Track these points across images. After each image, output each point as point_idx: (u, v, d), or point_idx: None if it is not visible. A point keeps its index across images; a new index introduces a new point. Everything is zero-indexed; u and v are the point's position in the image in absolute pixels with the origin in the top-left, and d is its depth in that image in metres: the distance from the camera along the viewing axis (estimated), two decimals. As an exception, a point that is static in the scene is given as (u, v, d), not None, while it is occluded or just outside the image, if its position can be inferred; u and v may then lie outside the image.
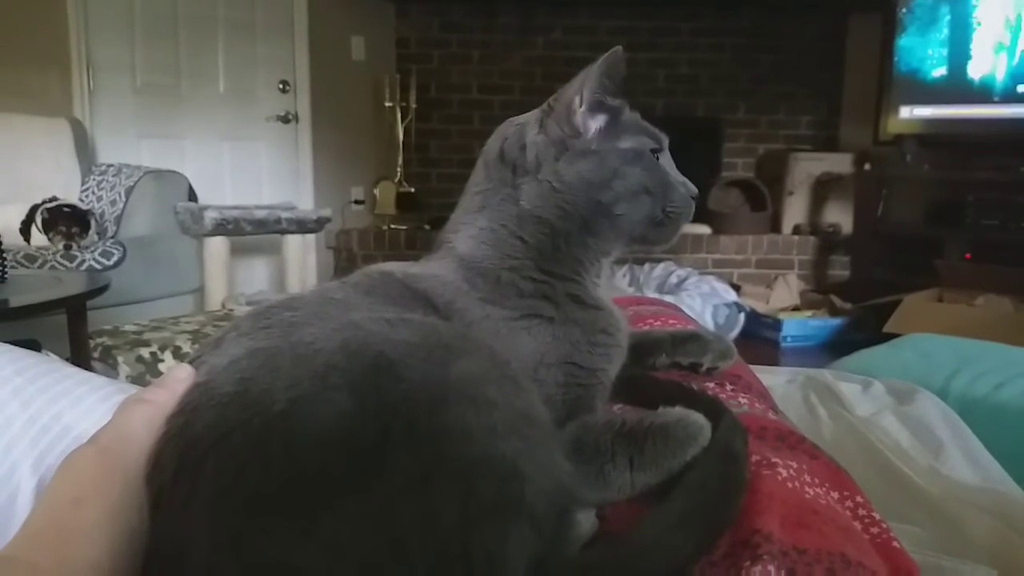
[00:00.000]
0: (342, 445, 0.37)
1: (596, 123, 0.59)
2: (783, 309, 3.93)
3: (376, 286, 0.55)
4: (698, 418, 0.49)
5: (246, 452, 0.37)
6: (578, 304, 0.57)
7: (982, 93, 3.71)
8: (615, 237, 0.60)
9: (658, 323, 0.79)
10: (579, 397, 0.54)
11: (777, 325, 3.64)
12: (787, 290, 4.15)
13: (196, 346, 1.93)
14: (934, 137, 3.86)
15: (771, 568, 0.41)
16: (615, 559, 0.40)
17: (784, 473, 0.50)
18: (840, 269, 4.49)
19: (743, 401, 0.62)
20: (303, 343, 0.42)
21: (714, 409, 0.51)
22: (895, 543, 0.50)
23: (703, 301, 3.57)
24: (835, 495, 0.52)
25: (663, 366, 0.66)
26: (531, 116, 0.61)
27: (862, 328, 3.52)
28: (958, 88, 3.79)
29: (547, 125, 0.59)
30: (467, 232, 0.59)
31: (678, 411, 0.50)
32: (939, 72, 3.87)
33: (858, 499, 0.53)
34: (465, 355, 0.42)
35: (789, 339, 3.61)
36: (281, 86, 4.34)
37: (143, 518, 0.38)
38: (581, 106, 0.58)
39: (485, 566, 0.36)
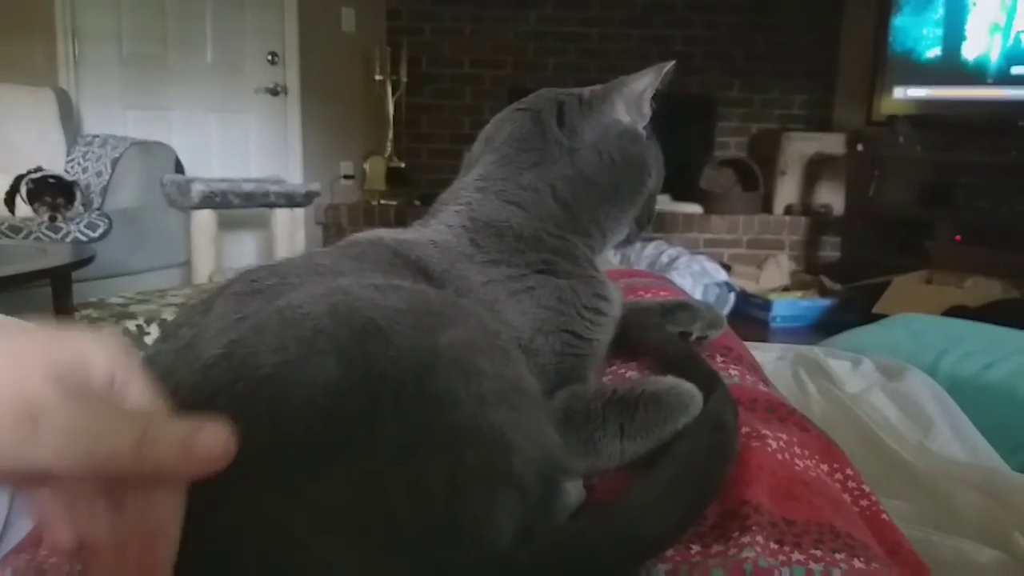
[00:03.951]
0: (329, 411, 0.36)
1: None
2: (773, 289, 3.94)
3: (365, 253, 0.54)
4: (690, 387, 0.49)
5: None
6: (591, 266, 0.59)
7: (976, 74, 3.70)
8: (629, 222, 0.64)
9: (649, 295, 0.79)
10: (572, 367, 0.54)
11: (767, 305, 3.65)
12: (778, 270, 4.17)
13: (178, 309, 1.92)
14: (927, 118, 3.86)
15: (760, 539, 0.41)
16: (603, 528, 0.40)
17: (774, 445, 0.50)
18: (831, 250, 4.49)
19: (734, 373, 0.62)
20: (291, 307, 0.41)
21: (708, 380, 0.51)
22: (884, 515, 0.50)
23: (694, 280, 3.57)
24: (825, 467, 0.52)
25: None
26: (587, 91, 0.62)
27: (852, 309, 3.52)
28: (952, 69, 3.78)
29: (615, 103, 0.61)
30: (498, 187, 0.59)
31: (670, 380, 0.50)
32: (933, 53, 3.85)
33: (847, 472, 0.53)
34: (455, 323, 0.42)
35: (779, 319, 3.62)
36: (270, 58, 4.27)
37: None
38: (649, 97, 0.62)
39: (473, 534, 0.36)
